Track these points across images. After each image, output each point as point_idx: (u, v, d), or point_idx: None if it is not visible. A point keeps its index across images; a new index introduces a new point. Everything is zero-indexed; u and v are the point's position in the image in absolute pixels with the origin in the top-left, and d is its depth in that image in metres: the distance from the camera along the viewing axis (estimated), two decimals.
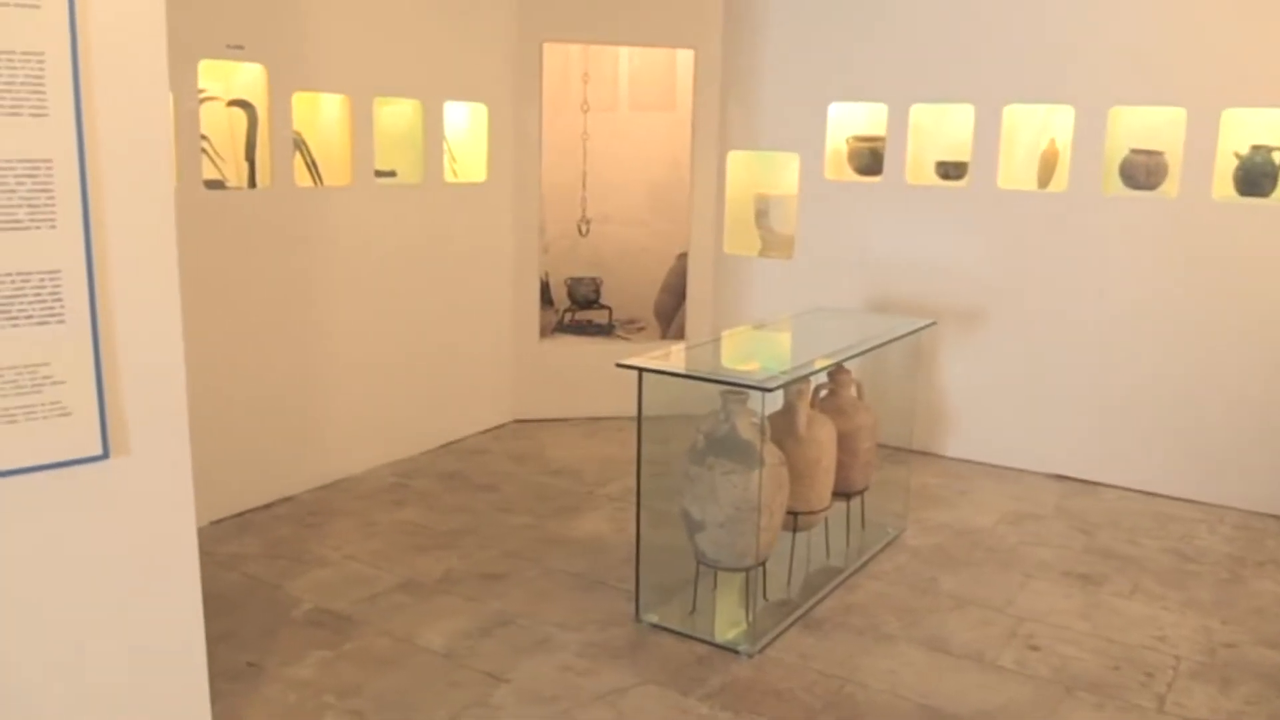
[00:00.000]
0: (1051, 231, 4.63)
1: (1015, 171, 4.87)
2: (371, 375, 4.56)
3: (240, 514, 4.01)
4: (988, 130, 4.71)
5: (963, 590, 3.54)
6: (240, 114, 4.09)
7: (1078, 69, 4.48)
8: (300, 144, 4.25)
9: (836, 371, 3.69)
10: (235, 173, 4.12)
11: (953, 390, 4.95)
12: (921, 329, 3.98)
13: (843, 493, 3.67)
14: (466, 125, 5.15)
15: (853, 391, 3.73)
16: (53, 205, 2.01)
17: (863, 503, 3.86)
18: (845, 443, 3.58)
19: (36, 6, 1.95)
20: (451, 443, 5.01)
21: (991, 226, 4.77)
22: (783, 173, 5.41)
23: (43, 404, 2.05)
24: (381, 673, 2.92)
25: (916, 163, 5.03)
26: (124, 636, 2.24)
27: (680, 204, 6.29)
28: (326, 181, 4.44)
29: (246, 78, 4.07)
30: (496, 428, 5.28)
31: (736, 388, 3.02)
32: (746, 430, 3.07)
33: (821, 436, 3.40)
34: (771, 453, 3.11)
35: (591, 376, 5.49)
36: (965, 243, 4.83)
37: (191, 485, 2.28)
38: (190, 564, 2.30)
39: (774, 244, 5.51)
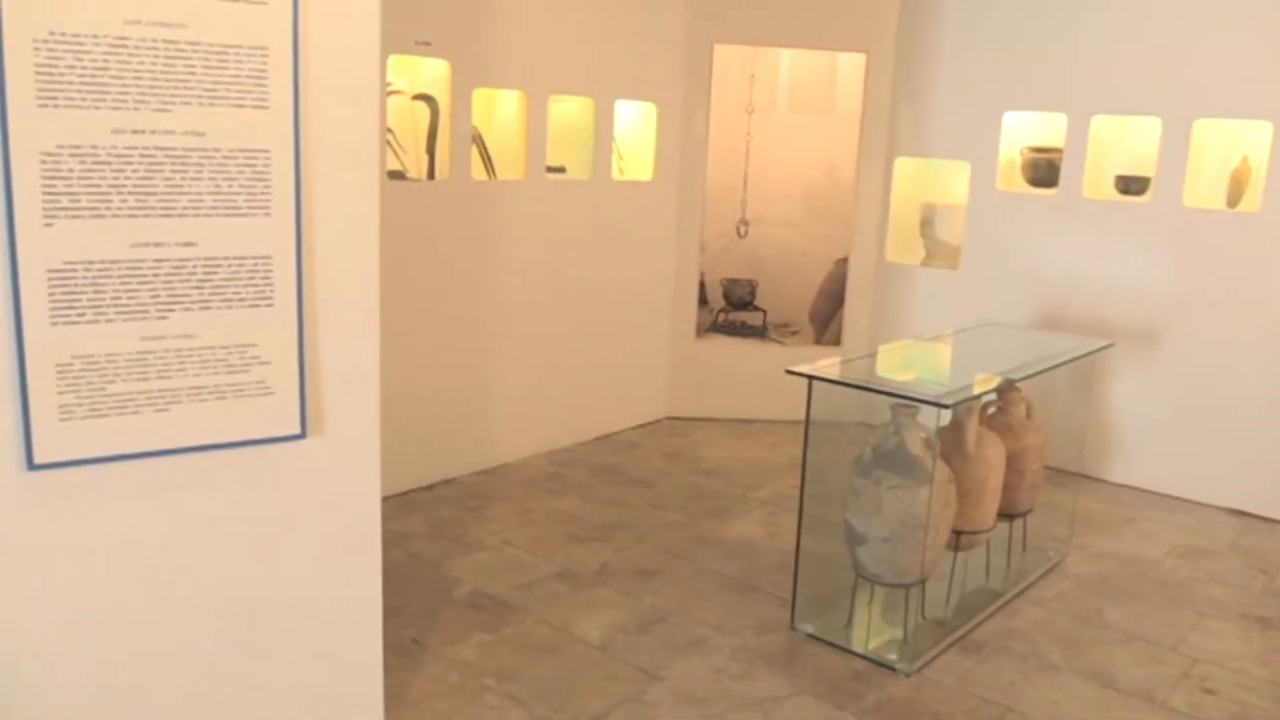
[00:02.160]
0: (1240, 253, 4.40)
1: (1202, 189, 4.64)
2: (533, 365, 4.66)
3: (405, 493, 4.15)
4: (1175, 145, 4.50)
5: (1130, 624, 3.40)
6: (424, 108, 4.23)
7: (1278, 84, 4.24)
8: (478, 138, 4.37)
9: (1007, 389, 3.59)
10: (416, 164, 4.26)
11: (1123, 413, 4.75)
12: (1099, 350, 3.83)
13: (1006, 514, 3.57)
14: (634, 124, 5.21)
15: (1022, 410, 3.62)
16: (269, 194, 2.12)
17: (1025, 525, 3.75)
18: (1013, 463, 3.48)
19: (264, 3, 2.06)
20: (606, 436, 5.08)
21: (1174, 245, 4.55)
22: (951, 181, 5.29)
23: (249, 383, 2.16)
24: (539, 660, 2.98)
25: (1094, 176, 4.84)
26: (306, 608, 2.35)
27: (835, 208, 6.23)
28: (500, 176, 4.55)
29: (431, 73, 4.20)
30: (650, 423, 5.32)
31: (908, 401, 2.97)
32: (916, 445, 3.01)
33: (990, 455, 3.31)
34: (940, 469, 3.05)
35: (744, 378, 5.49)
36: (1144, 261, 4.63)
37: (378, 466, 2.37)
38: (373, 542, 2.40)
39: (938, 254, 5.39)
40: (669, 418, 5.43)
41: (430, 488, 4.25)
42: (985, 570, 3.63)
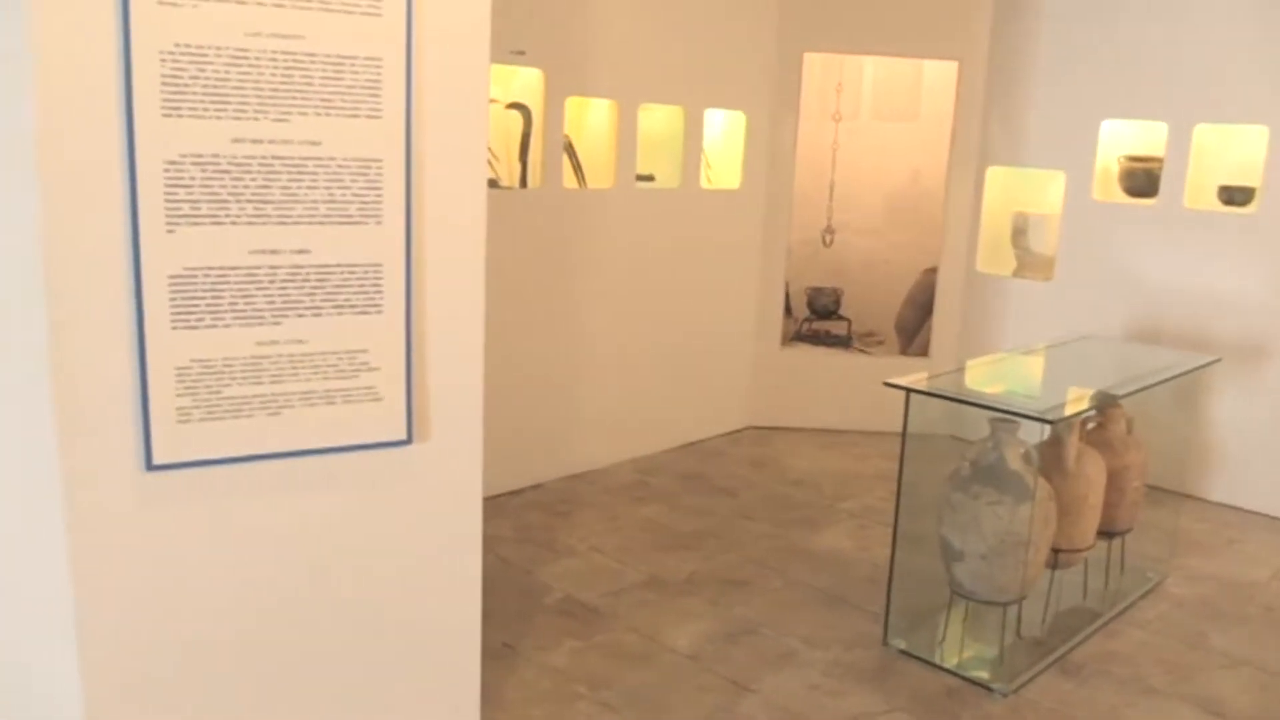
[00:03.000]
0: None
1: None
2: (620, 372, 4.67)
3: (494, 497, 4.19)
4: None
5: (1236, 649, 3.29)
6: (517, 116, 4.27)
7: None
8: (569, 147, 4.39)
9: (1108, 404, 3.50)
10: (508, 173, 4.30)
11: (1225, 430, 4.61)
12: (1205, 365, 3.72)
13: (1105, 532, 3.48)
14: (722, 132, 5.20)
15: (1123, 426, 3.53)
16: (380, 203, 2.15)
17: (1123, 545, 3.65)
18: (1113, 480, 3.40)
19: (379, 15, 2.09)
20: (690, 444, 5.07)
21: None
22: (1045, 190, 5.18)
23: (358, 388, 2.19)
24: (630, 668, 2.98)
25: (1196, 186, 4.71)
26: (407, 610, 2.37)
27: (919, 216, 6.15)
28: (590, 184, 4.57)
29: (524, 82, 4.24)
30: (734, 432, 5.30)
31: (1009, 416, 2.91)
32: (1015, 460, 2.95)
33: (1090, 472, 3.23)
34: (1040, 486, 2.99)
35: (829, 388, 5.45)
36: (1249, 273, 4.48)
37: (481, 473, 2.39)
38: (474, 547, 2.42)
39: (1030, 264, 5.28)
40: (752, 426, 5.40)
41: (518, 493, 4.28)
42: (1082, 589, 3.54)
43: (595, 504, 4.23)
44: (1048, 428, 3.08)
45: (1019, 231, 5.31)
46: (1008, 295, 5.25)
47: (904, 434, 3.07)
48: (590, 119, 4.63)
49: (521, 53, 4.01)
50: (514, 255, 4.14)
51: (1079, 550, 3.28)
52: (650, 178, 4.80)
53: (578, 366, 4.49)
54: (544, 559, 3.69)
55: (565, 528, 3.97)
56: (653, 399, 4.86)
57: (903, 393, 3.05)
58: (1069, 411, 3.03)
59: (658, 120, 4.78)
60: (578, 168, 4.53)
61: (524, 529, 3.93)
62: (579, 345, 4.48)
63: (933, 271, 5.52)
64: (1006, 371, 3.78)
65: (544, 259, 4.28)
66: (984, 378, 3.70)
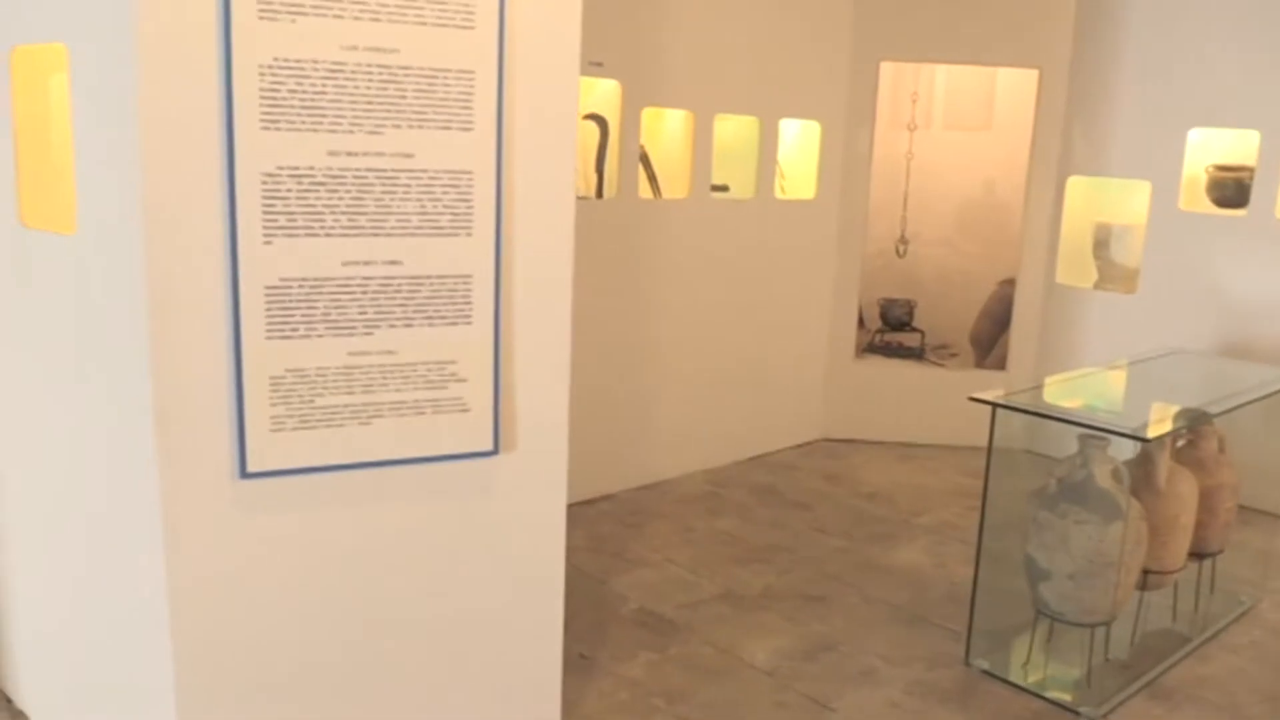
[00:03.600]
0: None
1: None
2: (692, 382, 4.66)
3: (568, 507, 4.17)
4: None
5: None
6: (593, 127, 4.28)
7: None
8: (644, 157, 4.39)
9: (1199, 422, 3.41)
10: (585, 183, 4.31)
11: None
12: None
13: (1196, 554, 3.38)
14: (796, 142, 5.16)
15: (1215, 445, 3.43)
16: (471, 214, 2.16)
17: (1214, 567, 3.55)
18: (1204, 500, 3.30)
19: (472, 28, 2.10)
20: (761, 455, 5.03)
21: None
22: (1128, 200, 5.07)
23: (447, 399, 2.20)
24: (707, 683, 2.96)
25: None
26: (491, 619, 2.38)
27: (992, 227, 6.06)
28: (665, 194, 4.57)
29: (600, 92, 4.25)
30: (806, 444, 5.26)
31: (1100, 432, 2.84)
32: (1105, 479, 2.88)
33: (1182, 491, 3.14)
34: (1131, 505, 2.91)
35: (904, 400, 5.37)
36: None
37: (565, 483, 2.39)
38: (557, 558, 2.42)
39: (1113, 276, 5.17)
40: (824, 439, 5.35)
41: (591, 503, 4.28)
42: (1171, 612, 3.44)
43: (667, 515, 4.21)
44: (1137, 445, 3.01)
45: (1101, 243, 5.20)
46: (1089, 308, 5.14)
47: (989, 450, 3.01)
48: (665, 129, 4.63)
49: (599, 64, 4.02)
50: (588, 265, 4.10)
51: (1169, 572, 3.19)
52: (725, 188, 4.78)
53: (650, 376, 4.48)
54: (618, 569, 3.68)
55: (638, 538, 3.96)
56: (724, 410, 4.83)
57: (983, 407, 3.00)
58: (1161, 429, 2.95)
59: (731, 130, 4.76)
60: (653, 178, 4.53)
61: (597, 539, 3.93)
62: (651, 355, 4.47)
63: (1009, 283, 5.42)
64: (1092, 386, 3.70)
65: (618, 269, 4.28)
66: (1069, 393, 3.62)
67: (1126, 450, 2.99)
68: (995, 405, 2.96)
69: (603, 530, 4.02)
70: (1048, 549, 2.94)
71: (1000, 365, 5.43)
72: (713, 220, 4.61)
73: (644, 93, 4.21)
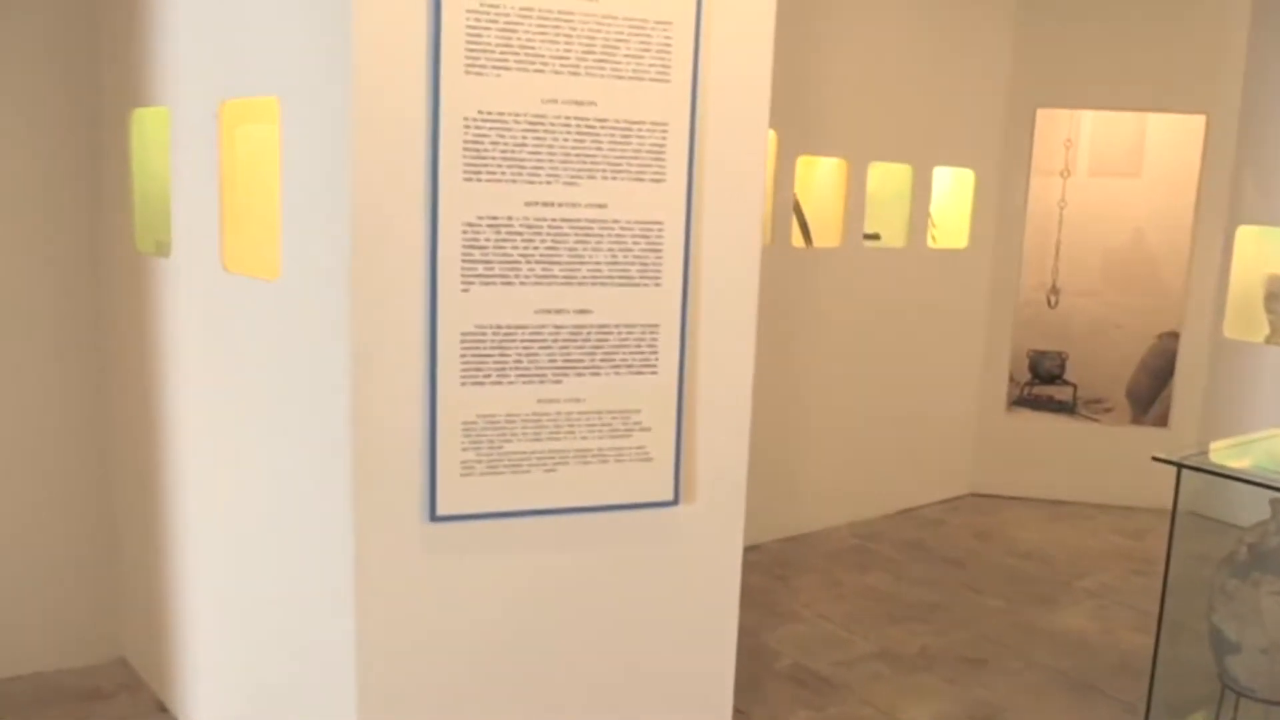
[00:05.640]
0: None
1: None
2: (840, 433, 4.59)
3: None
4: None
5: None
6: None
7: None
8: (796, 206, 4.37)
9: None
10: None
11: None
12: None
13: None
14: (947, 190, 5.08)
15: None
16: (660, 265, 2.17)
17: None
18: None
19: (668, 81, 2.12)
20: (909, 510, 4.92)
21: None
22: None
23: (631, 448, 2.20)
24: None
25: None
26: (663, 670, 2.36)
27: (1142, 277, 5.85)
28: (816, 243, 4.54)
29: None
30: (954, 499, 5.12)
31: None
32: None
33: None
34: None
35: (1056, 456, 5.20)
36: None
37: (741, 536, 2.36)
38: (731, 610, 2.40)
39: None
40: (973, 494, 5.20)
41: None
42: None
43: (815, 568, 4.14)
44: None
45: (1273, 295, 4.96)
46: (1259, 363, 4.90)
47: (1174, 513, 2.87)
48: (817, 177, 4.61)
49: None
50: None
51: None
52: (876, 236, 4.72)
53: (799, 426, 4.43)
54: (769, 623, 3.62)
55: (787, 591, 3.89)
56: (872, 462, 4.75)
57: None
58: None
59: (882, 178, 4.71)
60: (804, 226, 4.51)
61: (745, 591, 3.81)
62: (800, 404, 4.42)
63: (1170, 336, 5.22)
64: (1272, 449, 3.51)
65: (768, 317, 4.20)
66: (1244, 454, 3.44)
67: None
68: (1181, 466, 2.83)
69: (750, 582, 3.93)
70: (1238, 620, 2.78)
71: (1160, 422, 5.21)
72: (864, 269, 4.55)
73: (799, 141, 4.20)
